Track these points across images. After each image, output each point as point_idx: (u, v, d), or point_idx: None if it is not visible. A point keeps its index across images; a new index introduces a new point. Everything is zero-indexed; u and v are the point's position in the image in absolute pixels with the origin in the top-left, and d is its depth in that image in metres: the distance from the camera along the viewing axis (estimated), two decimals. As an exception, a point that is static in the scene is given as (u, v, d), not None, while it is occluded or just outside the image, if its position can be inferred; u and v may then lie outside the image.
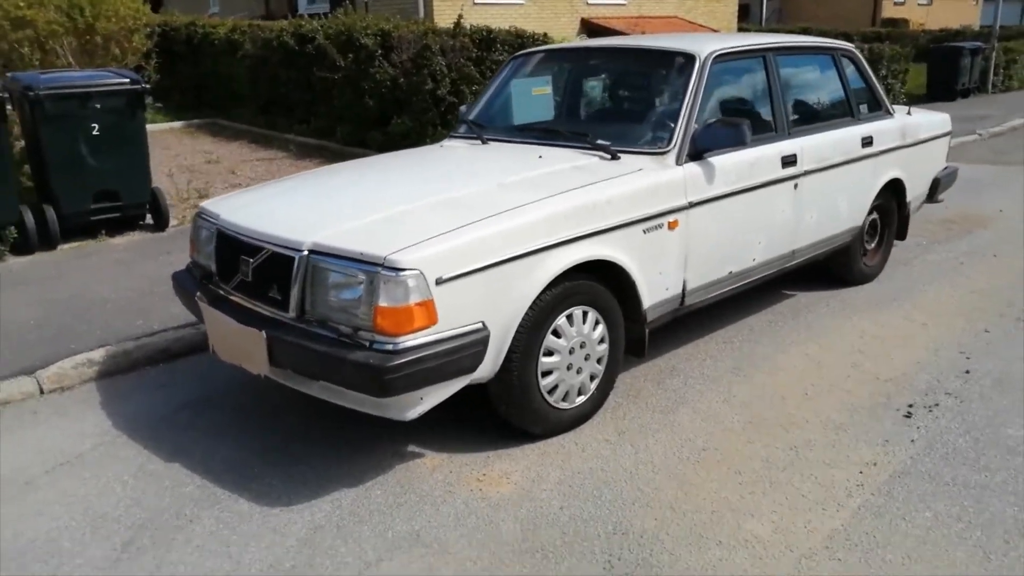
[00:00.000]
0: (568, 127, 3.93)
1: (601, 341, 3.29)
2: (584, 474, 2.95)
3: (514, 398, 3.04)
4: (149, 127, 10.82)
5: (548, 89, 4.38)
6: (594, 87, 4.13)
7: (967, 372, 3.74)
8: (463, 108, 4.58)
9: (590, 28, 18.77)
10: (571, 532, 2.62)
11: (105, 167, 5.63)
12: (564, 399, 3.21)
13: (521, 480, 2.92)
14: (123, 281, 4.96)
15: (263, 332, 2.89)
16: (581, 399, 3.28)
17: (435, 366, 2.71)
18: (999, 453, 3.03)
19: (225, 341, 3.14)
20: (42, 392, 3.73)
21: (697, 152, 3.56)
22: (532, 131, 3.95)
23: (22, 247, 5.42)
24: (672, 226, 3.43)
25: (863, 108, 4.72)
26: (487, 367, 2.91)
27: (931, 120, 5.22)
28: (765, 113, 4.05)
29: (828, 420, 3.32)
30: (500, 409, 3.11)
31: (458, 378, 2.84)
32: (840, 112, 4.55)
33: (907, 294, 4.83)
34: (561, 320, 3.10)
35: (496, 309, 2.86)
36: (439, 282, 2.69)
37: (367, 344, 2.68)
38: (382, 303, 2.64)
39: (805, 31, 23.35)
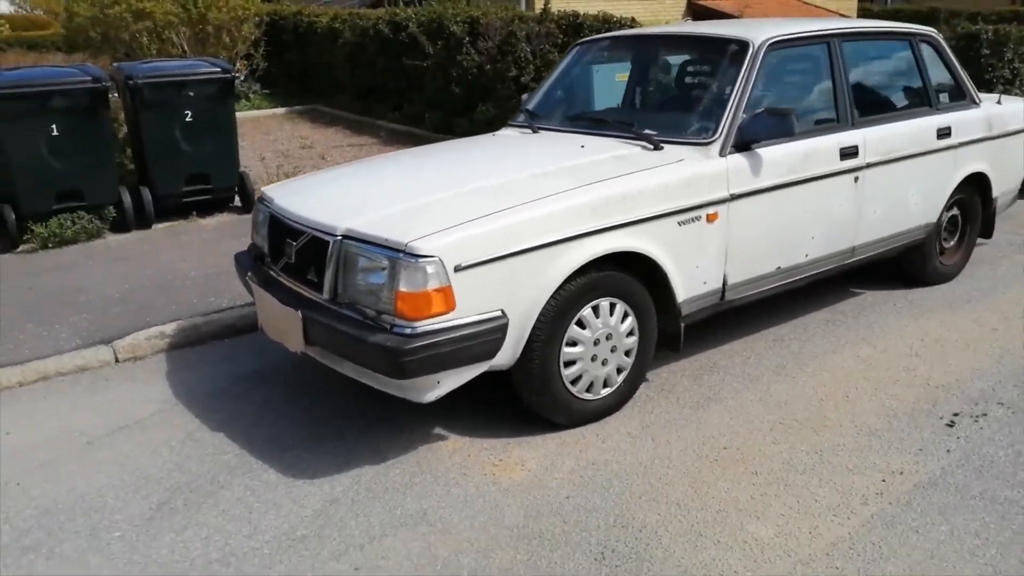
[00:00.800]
0: (621, 116, 3.91)
1: (630, 334, 3.29)
2: (598, 465, 2.98)
3: (535, 386, 3.09)
4: (253, 113, 11.44)
5: (626, 75, 4.36)
6: (650, 75, 4.08)
7: (1031, 381, 3.52)
8: (525, 96, 4.62)
9: (696, 11, 18.33)
10: (572, 521, 2.65)
11: (197, 151, 6.00)
12: (588, 390, 3.23)
13: (535, 468, 2.97)
14: (206, 259, 5.29)
15: (299, 312, 3.06)
16: (607, 391, 3.29)
17: (451, 351, 2.79)
18: (1043, 469, 2.86)
19: (270, 319, 3.33)
20: (117, 360, 4.06)
21: (744, 143, 3.48)
22: (582, 120, 3.96)
23: (121, 225, 5.86)
24: (711, 219, 3.38)
25: (943, 97, 4.46)
26: (507, 354, 2.97)
27: (1020, 109, 4.87)
28: (825, 102, 3.90)
29: (863, 425, 3.20)
30: (523, 397, 3.17)
31: (476, 364, 2.91)
32: (915, 101, 4.32)
33: (985, 295, 4.55)
34: (586, 311, 3.12)
35: (516, 297, 2.91)
36: (458, 269, 2.77)
37: (388, 327, 2.79)
38: (402, 288, 2.74)
39: (933, 12, 22.00)
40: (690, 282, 3.40)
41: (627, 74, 4.02)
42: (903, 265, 4.69)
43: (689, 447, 3.09)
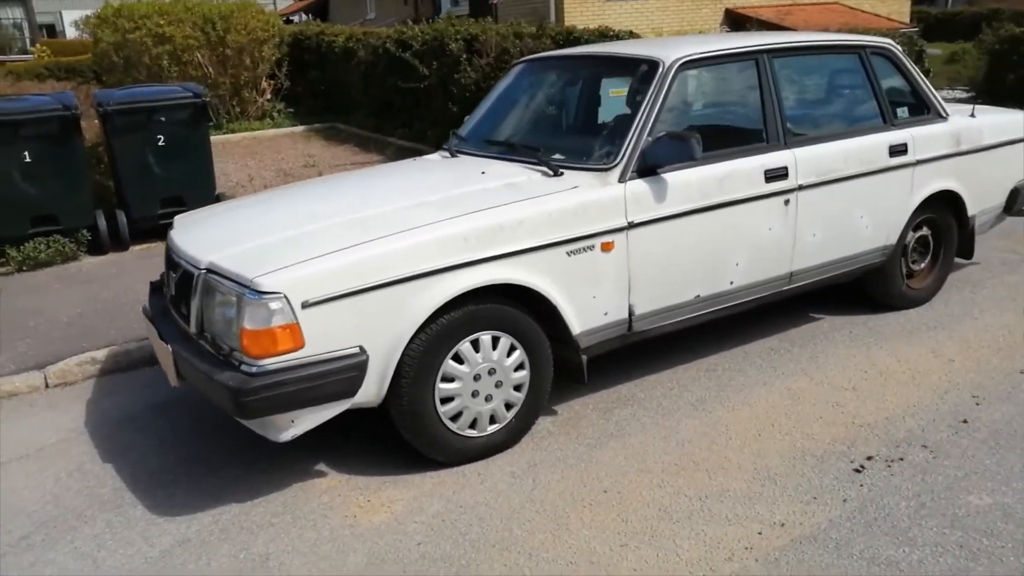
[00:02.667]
0: (534, 141, 3.76)
1: (520, 367, 3.15)
2: (466, 508, 2.84)
3: (408, 424, 2.98)
4: (271, 132, 11.62)
5: (624, 90, 4.20)
6: (568, 98, 3.92)
7: (964, 422, 3.23)
8: (467, 118, 4.52)
9: (734, 19, 17.91)
10: (412, 572, 2.52)
11: (170, 175, 6.08)
12: (472, 427, 3.09)
13: (400, 510, 2.85)
14: (167, 282, 5.33)
15: (170, 346, 3.02)
16: (495, 427, 3.15)
17: (300, 390, 2.70)
18: (938, 525, 2.59)
19: (155, 351, 3.30)
20: (47, 386, 4.10)
21: (648, 168, 3.31)
22: (500, 145, 3.82)
23: (97, 248, 5.97)
24: (606, 248, 3.21)
25: (901, 112, 4.18)
26: (371, 392, 2.87)
27: (1000, 122, 4.54)
28: (751, 123, 3.69)
29: (764, 468, 2.98)
30: (403, 434, 3.05)
31: (335, 402, 2.81)
32: (863, 118, 4.05)
33: (954, 322, 4.24)
34: (464, 346, 2.99)
35: (376, 333, 2.81)
36: (306, 305, 2.68)
37: (237, 365, 2.72)
38: (247, 325, 2.67)
39: (995, 13, 21.03)
40: (587, 314, 3.24)
41: (623, 90, 3.85)
42: (866, 289, 4.41)
43: (569, 489, 2.92)
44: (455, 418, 3.05)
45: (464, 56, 8.54)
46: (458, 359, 3.00)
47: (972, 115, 4.49)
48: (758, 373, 3.77)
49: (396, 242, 2.84)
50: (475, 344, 3.02)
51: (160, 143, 5.98)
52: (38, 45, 16.15)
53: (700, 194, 3.41)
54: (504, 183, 3.30)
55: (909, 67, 4.23)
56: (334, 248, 2.80)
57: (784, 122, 3.72)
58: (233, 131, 11.40)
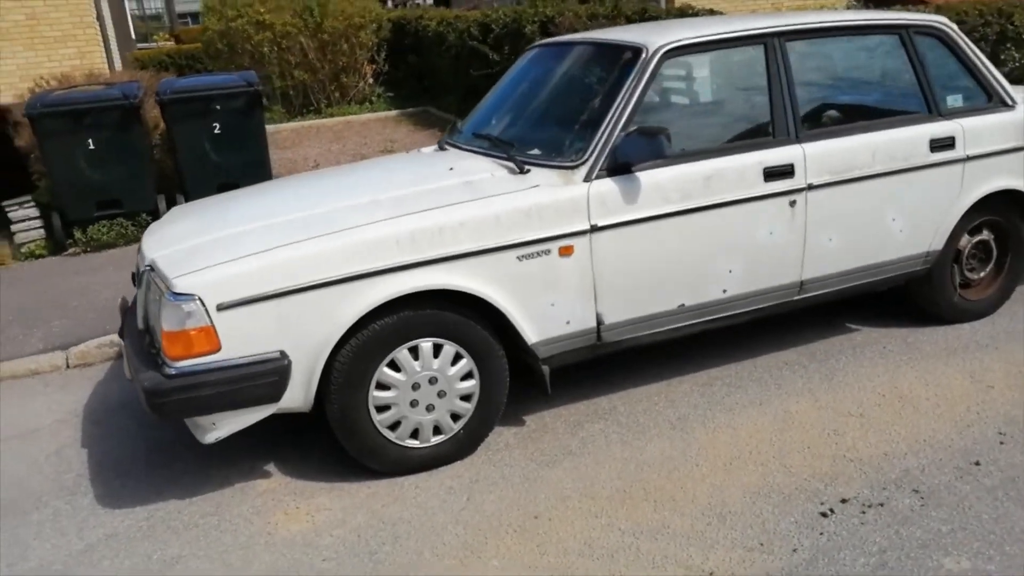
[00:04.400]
0: (517, 133, 3.53)
1: (468, 377, 2.97)
2: (387, 525, 2.71)
3: (342, 432, 2.88)
4: (365, 116, 11.81)
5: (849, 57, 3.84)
6: (556, 88, 3.64)
7: (976, 463, 2.77)
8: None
9: (869, -7, 16.49)
10: (301, 589, 2.43)
11: (226, 161, 6.24)
12: (414, 436, 2.96)
13: (323, 520, 2.76)
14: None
15: (124, 341, 3.06)
16: (440, 438, 2.99)
17: (216, 393, 2.65)
18: (889, 590, 2.23)
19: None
20: (68, 366, 4.30)
21: (620, 166, 3.03)
22: (483, 138, 3.61)
23: (158, 232, 6.22)
24: (565, 252, 2.97)
25: (953, 100, 3.65)
26: (297, 397, 2.79)
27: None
28: (754, 115, 3.31)
29: (719, 504, 2.67)
30: (340, 441, 2.96)
31: (258, 407, 2.75)
32: (902, 108, 3.56)
33: (1009, 342, 3.69)
34: (402, 352, 2.85)
35: (299, 337, 2.72)
36: (222, 308, 2.62)
37: (160, 365, 2.71)
38: (164, 326, 2.65)
39: None
40: (545, 322, 3.01)
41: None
42: (912, 299, 3.91)
43: (501, 511, 2.73)
44: (394, 427, 2.92)
45: (539, 39, 8.29)
46: (395, 366, 2.86)
47: (1049, 102, 3.86)
48: (759, 390, 3.41)
49: (323, 243, 2.73)
50: (415, 351, 2.87)
51: (216, 130, 6.15)
52: (160, 33, 17.16)
53: (680, 195, 3.09)
54: (463, 181, 3.12)
55: (965, 49, 3.67)
56: (259, 249, 2.72)
57: (796, 114, 3.31)
58: (331, 115, 11.67)
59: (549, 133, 3.33)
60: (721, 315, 3.35)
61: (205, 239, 2.93)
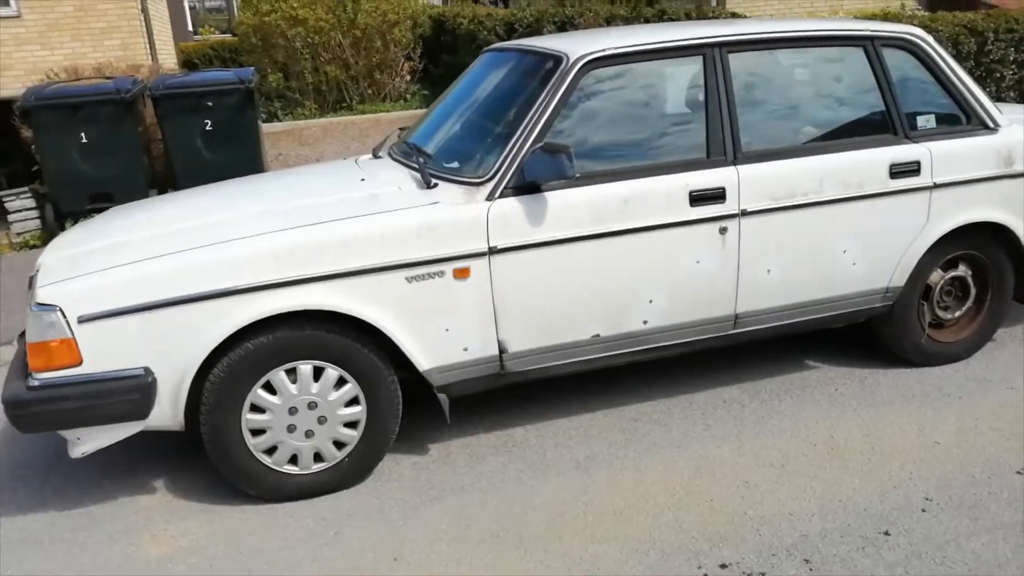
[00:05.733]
0: (442, 144, 3.34)
1: (353, 402, 2.82)
2: (245, 556, 2.58)
3: (214, 454, 2.76)
4: (396, 114, 11.75)
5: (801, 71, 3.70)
6: (485, 98, 3.44)
7: (886, 534, 2.49)
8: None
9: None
10: (128, 622, 2.32)
11: (219, 158, 6.24)
12: (293, 462, 2.82)
13: (185, 546, 2.65)
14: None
15: (19, 346, 3.01)
16: (322, 466, 2.85)
17: (77, 408, 2.57)
18: None
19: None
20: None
21: (529, 185, 2.83)
22: (411, 148, 3.43)
23: (149, 226, 6.26)
24: (460, 275, 2.79)
25: (925, 121, 3.32)
26: (166, 416, 2.68)
27: (1082, 137, 3.50)
28: (686, 134, 3.06)
29: (589, 559, 2.46)
30: (214, 464, 2.84)
31: (123, 423, 2.65)
32: (860, 129, 3.25)
33: (977, 391, 3.35)
34: (278, 375, 2.72)
35: (165, 355, 2.61)
36: (82, 320, 2.53)
37: (27, 376, 2.64)
38: (28, 337, 2.58)
39: None
40: (439, 348, 2.84)
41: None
42: (879, 339, 3.60)
43: (363, 550, 2.57)
44: (271, 452, 2.79)
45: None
46: (272, 389, 2.73)
47: (1040, 125, 3.49)
48: (684, 431, 3.17)
49: (194, 257, 2.62)
50: (292, 373, 2.74)
51: (208, 127, 6.15)
52: (206, 27, 17.47)
53: (593, 218, 2.88)
54: (367, 194, 2.97)
55: (942, 64, 3.34)
56: (130, 260, 2.63)
57: (734, 133, 3.06)
58: (363, 112, 11.66)
59: (469, 145, 3.15)
60: (643, 347, 3.12)
61: (92, 246, 2.86)
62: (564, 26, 8.13)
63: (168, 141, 6.20)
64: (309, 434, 2.80)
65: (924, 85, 3.35)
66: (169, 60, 12.28)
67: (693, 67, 3.07)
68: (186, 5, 18.07)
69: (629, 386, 3.54)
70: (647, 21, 7.49)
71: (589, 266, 2.92)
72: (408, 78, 12.29)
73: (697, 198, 2.97)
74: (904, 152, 3.22)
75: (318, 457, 2.84)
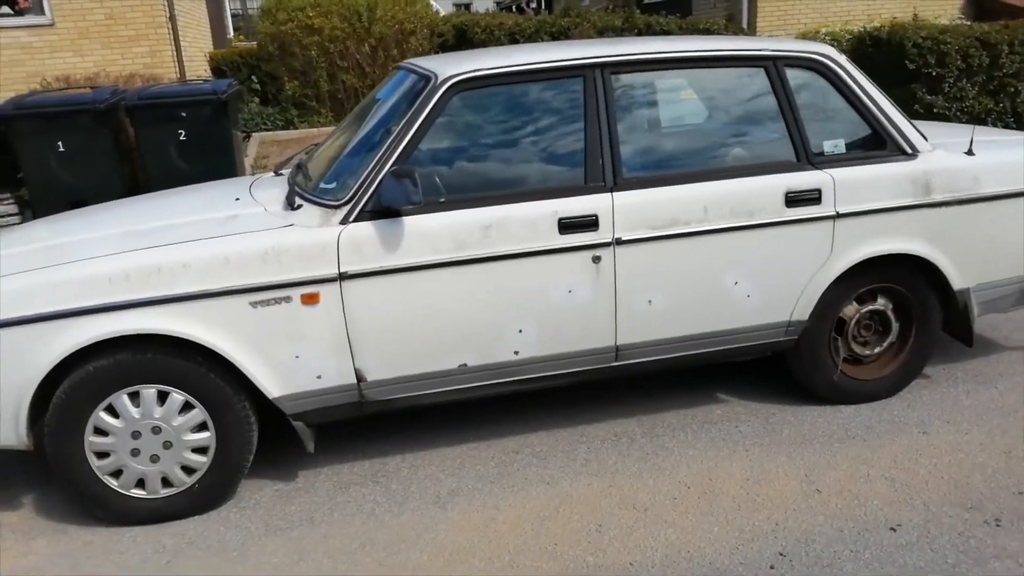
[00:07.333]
0: (324, 165, 3.23)
1: (202, 428, 2.78)
2: (70, 580, 2.56)
3: (59, 475, 2.75)
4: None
5: (693, 94, 3.69)
6: (372, 116, 3.35)
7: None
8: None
9: (982, 9, 15.01)
10: (-73, 646, 2.31)
11: (193, 169, 6.29)
12: (141, 486, 2.79)
13: (26, 566, 2.62)
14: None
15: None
16: (171, 491, 2.81)
17: (-87, 425, 2.58)
18: None
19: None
20: None
21: (387, 210, 2.75)
22: (299, 167, 3.38)
23: (125, 233, 6.36)
24: (308, 300, 2.72)
25: (832, 146, 3.12)
26: (9, 436, 2.68)
27: (1009, 162, 3.24)
28: (560, 158, 2.94)
29: (404, 603, 2.36)
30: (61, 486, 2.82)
31: (-40, 439, 2.66)
32: (761, 153, 3.07)
33: (884, 435, 3.13)
34: (121, 398, 2.69)
35: (3, 375, 2.60)
36: (-82, 338, 2.54)
37: None
38: None
39: None
40: (289, 376, 2.78)
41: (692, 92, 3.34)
42: (791, 375, 3.41)
43: (187, 581, 2.52)
44: (116, 475, 2.76)
45: (549, 51, 7.98)
46: (115, 412, 2.70)
47: (970, 151, 3.25)
48: (561, 466, 3.04)
49: (32, 278, 2.61)
50: (135, 397, 2.70)
51: (181, 137, 6.21)
52: (235, 34, 17.79)
53: (453, 244, 2.78)
54: (227, 215, 2.93)
55: (853, 86, 3.13)
56: (-28, 279, 2.63)
57: (614, 158, 2.92)
58: (378, 119, 11.72)
59: (343, 166, 3.08)
60: (518, 378, 3.00)
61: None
62: (559, 36, 8.01)
63: (143, 150, 6.28)
64: (154, 459, 2.76)
65: (834, 108, 3.15)
66: (201, 68, 12.52)
67: (573, 89, 2.94)
68: (227, 12, 18.47)
69: (528, 415, 3.42)
70: (639, 32, 7.32)
71: (451, 293, 2.81)
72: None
73: (567, 225, 2.84)
74: (803, 179, 3.03)
75: (167, 482, 2.80)
